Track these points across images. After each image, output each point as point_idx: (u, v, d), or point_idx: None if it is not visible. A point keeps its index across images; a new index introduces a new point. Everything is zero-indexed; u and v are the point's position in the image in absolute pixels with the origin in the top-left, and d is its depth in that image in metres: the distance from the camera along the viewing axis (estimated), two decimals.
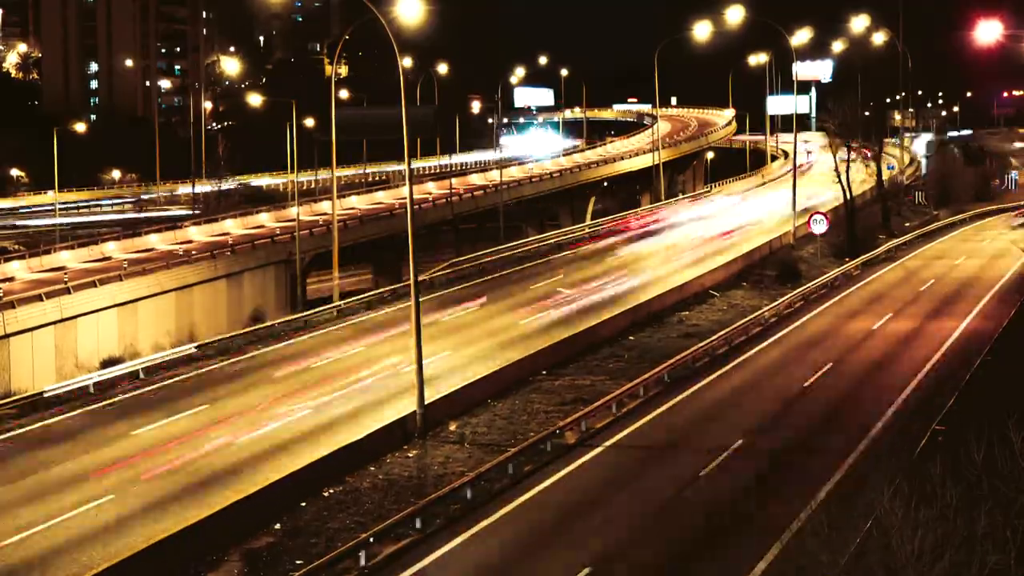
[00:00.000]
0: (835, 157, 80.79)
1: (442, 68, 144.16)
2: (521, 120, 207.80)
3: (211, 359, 47.82)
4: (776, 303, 54.75)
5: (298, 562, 26.85)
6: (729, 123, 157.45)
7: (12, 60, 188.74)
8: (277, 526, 29.26)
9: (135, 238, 72.77)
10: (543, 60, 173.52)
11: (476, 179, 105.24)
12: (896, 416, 36.76)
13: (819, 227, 69.25)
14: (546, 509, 29.62)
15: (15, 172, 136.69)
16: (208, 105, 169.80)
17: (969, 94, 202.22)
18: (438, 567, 26.27)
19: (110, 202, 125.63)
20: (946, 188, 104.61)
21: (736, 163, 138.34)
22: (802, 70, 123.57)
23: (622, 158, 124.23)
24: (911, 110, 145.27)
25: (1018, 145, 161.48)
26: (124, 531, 28.77)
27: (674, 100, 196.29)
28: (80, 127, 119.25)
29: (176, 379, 44.79)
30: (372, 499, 31.11)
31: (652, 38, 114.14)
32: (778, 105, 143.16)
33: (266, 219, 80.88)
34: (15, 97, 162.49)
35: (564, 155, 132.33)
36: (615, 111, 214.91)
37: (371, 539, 27.08)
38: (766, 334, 49.57)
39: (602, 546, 26.83)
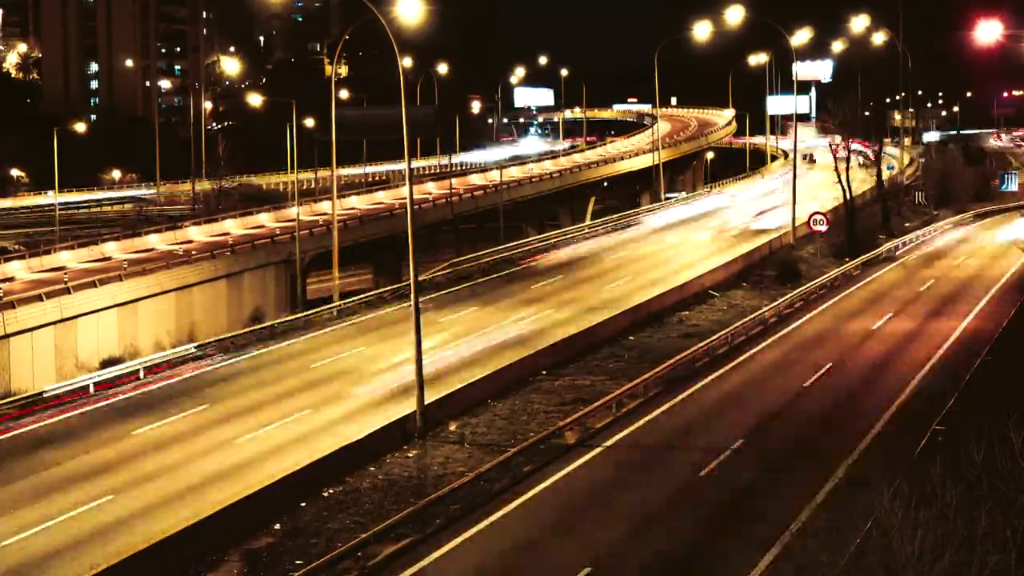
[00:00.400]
0: (835, 157, 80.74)
1: (442, 68, 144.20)
2: (521, 120, 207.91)
3: (211, 359, 47.84)
4: (776, 303, 54.74)
5: (298, 562, 26.84)
6: (729, 123, 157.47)
7: (12, 60, 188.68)
8: (277, 526, 29.26)
9: (135, 238, 72.74)
10: (543, 60, 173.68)
11: (476, 179, 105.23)
12: (896, 416, 36.74)
13: (819, 227, 69.32)
14: (546, 509, 29.61)
15: (15, 172, 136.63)
16: (208, 105, 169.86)
17: (969, 94, 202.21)
18: (438, 567, 26.27)
19: (109, 197, 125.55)
20: (946, 188, 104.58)
21: (736, 163, 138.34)
22: (802, 70, 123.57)
23: (622, 158, 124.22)
24: (911, 110, 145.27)
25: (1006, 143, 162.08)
26: (124, 531, 28.77)
27: (674, 100, 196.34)
28: (80, 127, 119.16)
29: (176, 379, 44.80)
30: (372, 499, 31.10)
31: (652, 38, 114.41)
32: (778, 105, 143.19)
33: (266, 219, 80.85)
34: (15, 97, 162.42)
35: (563, 155, 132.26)
36: (615, 111, 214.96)
37: (371, 539, 27.08)
38: (766, 334, 49.56)
39: (602, 546, 26.82)
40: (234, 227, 78.00)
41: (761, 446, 34.11)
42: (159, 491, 31.55)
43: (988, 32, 65.49)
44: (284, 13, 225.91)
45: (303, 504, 30.60)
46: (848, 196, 78.36)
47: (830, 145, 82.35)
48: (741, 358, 45.31)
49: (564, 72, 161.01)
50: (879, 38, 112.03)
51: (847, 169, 79.46)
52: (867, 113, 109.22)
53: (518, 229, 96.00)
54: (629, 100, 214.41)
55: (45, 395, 42.18)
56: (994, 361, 42.25)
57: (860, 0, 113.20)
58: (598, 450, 34.19)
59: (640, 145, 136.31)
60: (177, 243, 72.25)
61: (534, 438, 34.47)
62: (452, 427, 37.46)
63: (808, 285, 59.71)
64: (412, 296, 38.73)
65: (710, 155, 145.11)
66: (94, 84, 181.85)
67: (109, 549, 27.51)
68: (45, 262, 64.13)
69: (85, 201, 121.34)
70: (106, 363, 50.22)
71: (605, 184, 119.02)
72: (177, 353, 48.43)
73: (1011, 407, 25.28)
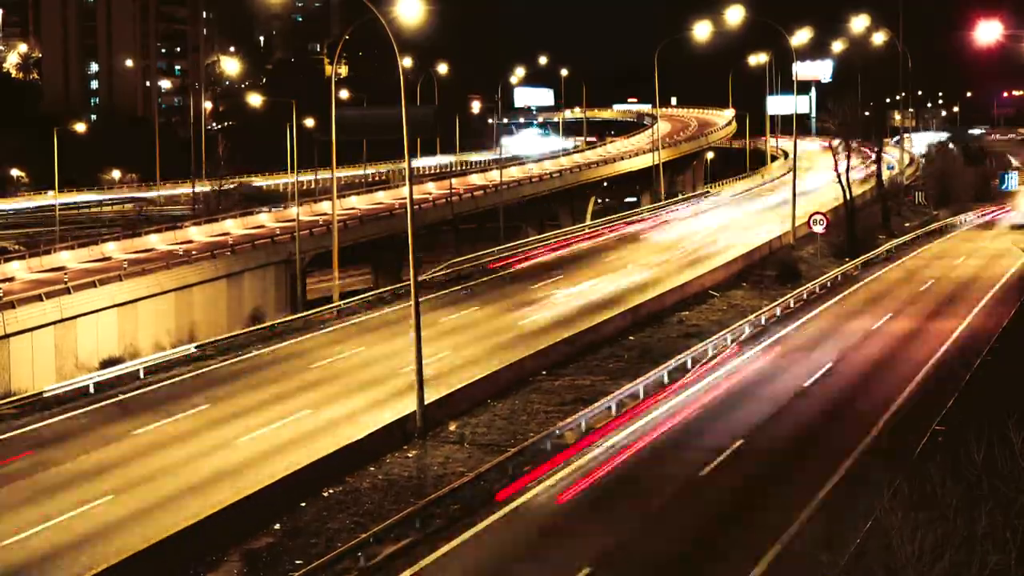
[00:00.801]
0: (835, 159, 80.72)
1: (442, 68, 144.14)
2: (521, 120, 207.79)
3: (211, 359, 47.84)
4: (776, 303, 54.73)
5: (298, 562, 26.84)
6: (729, 123, 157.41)
7: (12, 60, 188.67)
8: (277, 526, 29.26)
9: (135, 238, 72.72)
10: (543, 60, 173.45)
11: (476, 179, 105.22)
12: (896, 416, 36.73)
13: (819, 227, 69.35)
14: (546, 509, 29.59)
15: (15, 172, 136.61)
16: (208, 105, 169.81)
17: (969, 94, 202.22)
18: (438, 567, 26.25)
19: (109, 198, 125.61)
20: (946, 188, 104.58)
21: (736, 163, 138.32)
22: (802, 70, 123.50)
23: (622, 158, 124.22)
24: (911, 110, 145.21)
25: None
26: (124, 531, 28.76)
27: (674, 100, 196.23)
28: (80, 127, 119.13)
29: (176, 379, 44.80)
30: (372, 499, 31.11)
31: (652, 38, 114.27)
32: (778, 105, 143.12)
33: (266, 219, 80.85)
34: (15, 97, 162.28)
35: (563, 155, 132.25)
36: (615, 111, 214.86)
37: (371, 539, 27.08)
38: (766, 334, 49.54)
39: (602, 546, 26.82)
40: (234, 227, 78.00)
41: (761, 446, 34.09)
42: (159, 491, 31.54)
43: (988, 32, 65.44)
44: (284, 13, 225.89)
45: (303, 504, 30.60)
46: (848, 196, 78.36)
47: (832, 152, 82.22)
48: (741, 358, 45.29)
49: (564, 72, 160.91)
50: (879, 38, 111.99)
51: (847, 170, 79.45)
52: (867, 113, 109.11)
53: (518, 229, 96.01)
54: (629, 100, 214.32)
55: (45, 395, 42.18)
56: (994, 361, 42.23)
57: (860, 0, 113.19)
58: (598, 450, 34.17)
59: (640, 145, 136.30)
60: (177, 243, 72.24)
61: (534, 438, 34.46)
62: (452, 427, 37.47)
63: (808, 285, 59.69)
64: (412, 296, 38.72)
65: (710, 155, 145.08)
66: (94, 84, 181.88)
67: (109, 549, 27.50)
68: (45, 262, 64.12)
69: (85, 201, 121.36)
70: (106, 363, 50.20)
71: (605, 184, 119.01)
72: (177, 353, 48.43)
73: (1011, 407, 25.26)
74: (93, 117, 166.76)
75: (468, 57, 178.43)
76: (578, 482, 31.05)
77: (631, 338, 50.12)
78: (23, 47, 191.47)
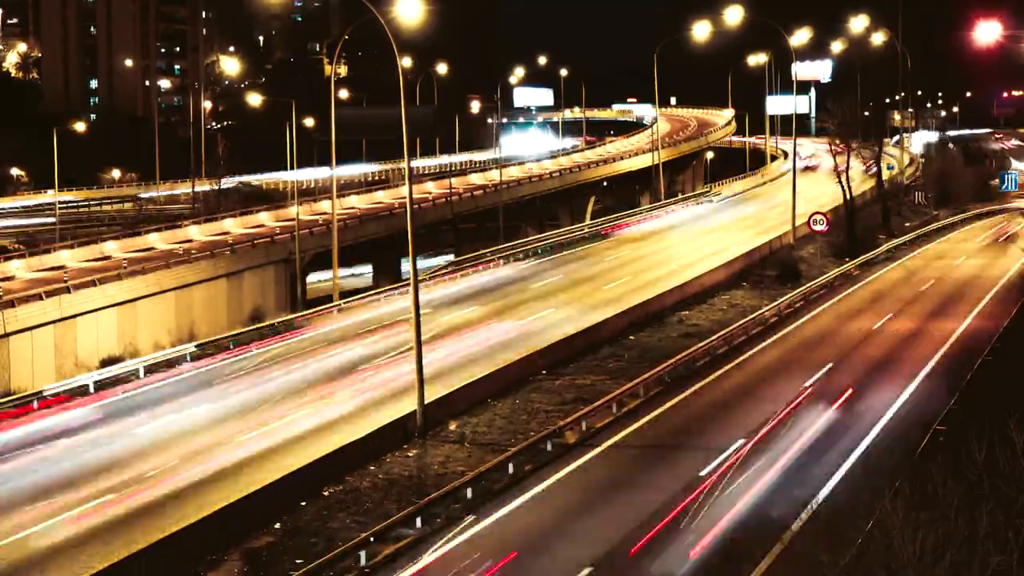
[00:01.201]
0: (835, 159, 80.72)
1: (442, 68, 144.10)
2: (521, 120, 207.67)
3: (211, 358, 47.81)
4: (776, 303, 54.71)
5: (298, 562, 26.81)
6: (728, 123, 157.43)
7: (12, 60, 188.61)
8: (277, 526, 29.23)
9: (135, 237, 72.67)
10: (543, 60, 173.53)
11: (476, 179, 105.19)
12: (897, 416, 36.71)
13: (819, 227, 69.34)
14: (546, 509, 29.58)
15: (15, 172, 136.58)
16: (208, 105, 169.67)
17: (969, 94, 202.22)
18: (438, 567, 26.24)
19: (109, 197, 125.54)
20: (946, 188, 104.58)
21: (736, 162, 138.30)
22: (802, 70, 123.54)
23: (621, 158, 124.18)
24: (911, 110, 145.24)
25: (1015, 143, 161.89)
26: (124, 531, 28.72)
27: (674, 100, 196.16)
28: (80, 127, 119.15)
29: (176, 378, 44.78)
30: (372, 499, 31.08)
31: (652, 38, 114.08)
32: (778, 105, 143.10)
33: (266, 218, 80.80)
34: (15, 97, 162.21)
35: (563, 155, 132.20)
36: (615, 111, 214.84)
37: (371, 539, 27.05)
38: (766, 334, 49.54)
39: (602, 546, 26.79)
40: (234, 226, 77.94)
41: (762, 446, 34.03)
42: (159, 490, 31.51)
43: (988, 32, 65.43)
44: (284, 13, 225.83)
45: (303, 503, 30.58)
46: (848, 196, 78.36)
47: (832, 153, 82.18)
48: (741, 358, 45.30)
49: (564, 72, 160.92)
50: (879, 38, 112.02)
51: (847, 170, 79.45)
52: (867, 113, 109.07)
53: (518, 228, 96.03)
54: (629, 100, 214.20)
55: (45, 394, 42.17)
56: (995, 361, 42.22)
57: (860, 0, 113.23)
58: (598, 450, 34.17)
59: (640, 145, 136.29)
60: (177, 242, 72.18)
61: (534, 437, 34.44)
62: (452, 426, 37.44)
63: (808, 285, 59.69)
64: (412, 296, 38.69)
65: (710, 155, 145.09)
66: (94, 84, 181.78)
67: (109, 549, 27.47)
68: (45, 261, 64.06)
69: (85, 200, 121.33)
70: (106, 362, 50.20)
71: (605, 184, 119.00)
72: (177, 352, 48.42)
73: (1012, 407, 25.24)
74: (93, 117, 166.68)
75: (468, 57, 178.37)
76: None
77: (631, 338, 50.10)
78: (23, 47, 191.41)
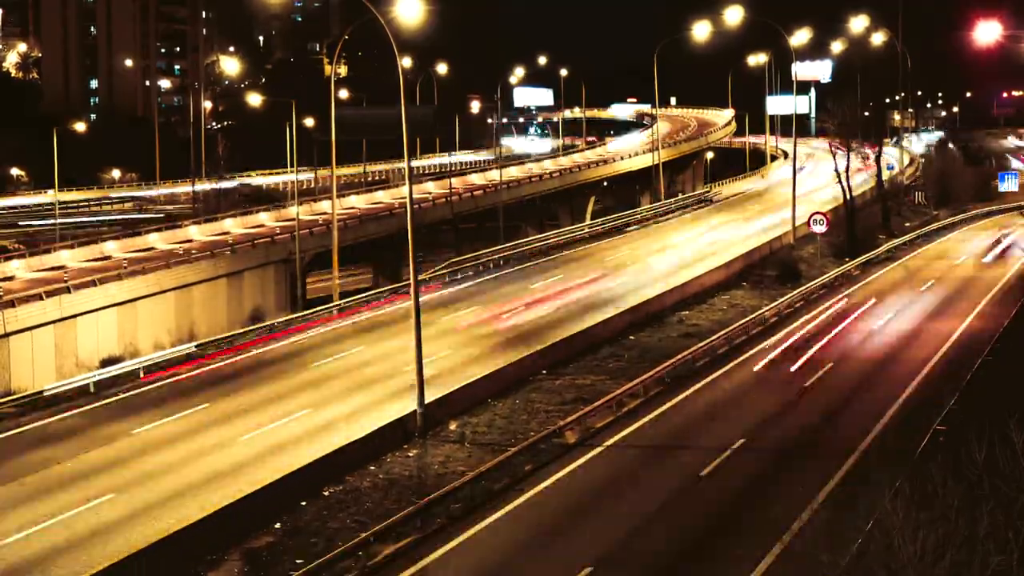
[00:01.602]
0: (835, 159, 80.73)
1: (442, 68, 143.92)
2: (521, 120, 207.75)
3: (211, 358, 47.82)
4: (776, 303, 54.72)
5: (298, 562, 26.81)
6: (728, 123, 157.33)
7: (12, 60, 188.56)
8: (277, 526, 29.23)
9: (135, 237, 72.65)
10: (543, 60, 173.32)
11: (476, 179, 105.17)
12: (897, 416, 36.73)
13: (819, 227, 69.30)
14: (546, 509, 29.58)
15: (15, 172, 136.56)
16: (208, 105, 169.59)
17: (969, 94, 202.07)
18: (438, 567, 26.24)
19: (110, 198, 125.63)
20: (946, 188, 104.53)
21: (736, 163, 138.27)
22: (802, 70, 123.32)
23: (621, 158, 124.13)
24: (911, 110, 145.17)
25: (1013, 143, 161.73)
26: (124, 531, 28.74)
27: (674, 100, 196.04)
28: (80, 127, 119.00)
29: (176, 378, 44.78)
30: (372, 498, 31.08)
31: (652, 38, 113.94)
32: (778, 105, 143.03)
33: (266, 218, 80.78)
34: (15, 97, 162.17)
35: (563, 155, 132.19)
36: (615, 111, 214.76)
37: (371, 539, 27.05)
38: (766, 334, 49.53)
39: (602, 546, 26.80)
40: (234, 226, 77.93)
41: (762, 446, 34.09)
42: (159, 490, 31.52)
43: (988, 32, 65.39)
44: (284, 13, 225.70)
45: (303, 503, 30.58)
46: (848, 196, 78.38)
47: (833, 152, 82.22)
48: (741, 358, 45.30)
49: (564, 72, 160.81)
50: (879, 38, 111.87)
51: (847, 170, 79.46)
52: (867, 113, 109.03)
53: (518, 228, 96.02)
54: (629, 100, 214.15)
55: (45, 394, 42.17)
56: (995, 361, 42.20)
57: (860, 0, 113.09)
58: (599, 449, 34.17)
59: (640, 145, 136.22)
60: (177, 242, 72.17)
61: (534, 437, 34.45)
62: (452, 426, 37.44)
63: (808, 285, 59.69)
64: (412, 296, 38.68)
65: (710, 155, 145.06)
66: (94, 84, 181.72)
67: (109, 549, 27.48)
68: (45, 261, 64.04)
69: (85, 200, 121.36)
70: (106, 362, 50.21)
71: (605, 184, 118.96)
72: (177, 352, 48.43)
73: (1012, 407, 25.21)
74: (93, 117, 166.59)
75: (468, 57, 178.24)
76: None
77: (631, 337, 50.11)
78: (23, 47, 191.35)
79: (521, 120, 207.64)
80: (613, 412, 37.55)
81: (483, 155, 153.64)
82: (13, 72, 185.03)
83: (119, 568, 25.50)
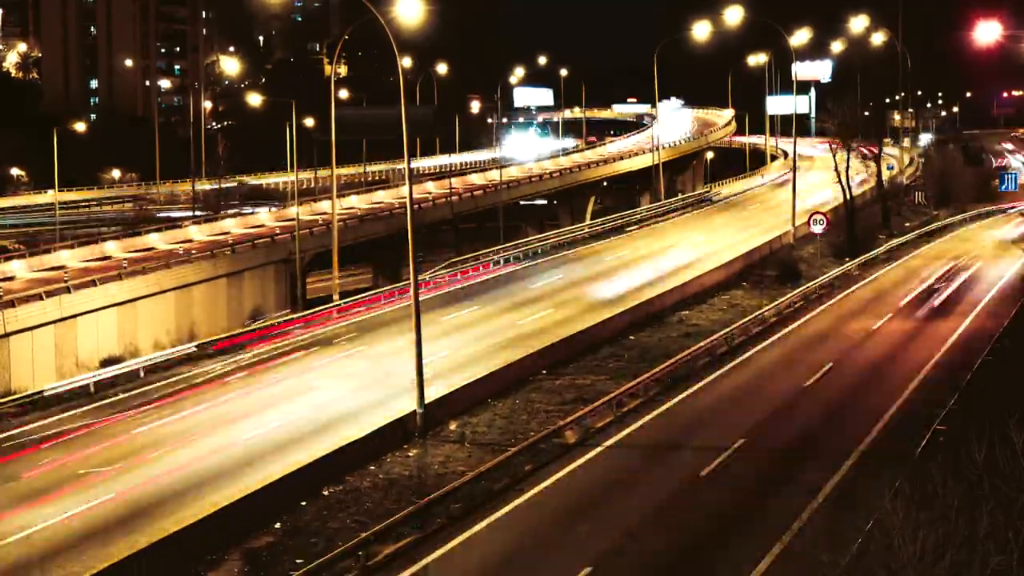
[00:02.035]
0: (835, 158, 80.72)
1: (442, 68, 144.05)
2: (521, 120, 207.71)
3: (211, 358, 47.84)
4: (776, 303, 54.71)
5: (298, 561, 26.81)
6: (729, 123, 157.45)
7: (12, 60, 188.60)
8: (277, 526, 29.23)
9: (135, 237, 72.66)
10: (543, 60, 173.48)
11: (476, 179, 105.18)
12: (897, 416, 36.72)
13: (818, 227, 69.32)
14: (546, 509, 29.58)
15: (15, 172, 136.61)
16: (208, 105, 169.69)
17: (969, 94, 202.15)
18: (438, 567, 26.24)
19: (110, 197, 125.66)
20: (946, 188, 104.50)
21: (736, 162, 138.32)
22: (802, 70, 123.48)
23: (621, 158, 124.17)
24: (911, 110, 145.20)
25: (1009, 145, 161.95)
26: (124, 531, 28.75)
27: (681, 102, 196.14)
28: (80, 127, 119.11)
29: (176, 378, 44.80)
30: (372, 498, 31.08)
31: (652, 38, 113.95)
32: (778, 105, 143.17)
33: (266, 218, 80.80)
34: (15, 97, 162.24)
35: (563, 155, 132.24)
36: (615, 111, 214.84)
37: (371, 539, 27.05)
38: (767, 334, 49.52)
39: (602, 546, 26.79)
40: (234, 226, 77.92)
41: (762, 446, 34.06)
42: (160, 490, 31.54)
43: (988, 32, 65.40)
44: (284, 13, 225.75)
45: (303, 503, 30.58)
46: (848, 196, 78.38)
47: (833, 152, 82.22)
48: (741, 358, 45.29)
49: (564, 72, 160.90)
50: (879, 38, 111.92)
51: (847, 169, 79.44)
52: (867, 113, 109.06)
53: (517, 228, 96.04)
54: (629, 100, 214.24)
55: (45, 394, 42.19)
56: (995, 361, 42.17)
57: (860, 0, 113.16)
58: (598, 449, 34.16)
59: (640, 145, 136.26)
60: (177, 242, 72.18)
61: (534, 437, 34.43)
62: (452, 426, 37.44)
63: (808, 285, 59.65)
64: (412, 296, 38.68)
65: (710, 155, 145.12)
66: (94, 84, 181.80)
67: (109, 549, 27.49)
68: (45, 261, 64.03)
69: (85, 200, 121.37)
70: (106, 362, 50.23)
71: (605, 184, 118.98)
72: (177, 352, 48.44)
73: (1012, 407, 25.22)
74: (93, 117, 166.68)
75: (468, 57, 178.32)
76: None
77: (631, 337, 50.09)
78: (23, 47, 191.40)
79: (521, 120, 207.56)
80: (613, 412, 37.54)
81: (484, 154, 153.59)
82: (13, 72, 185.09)
83: (119, 568, 25.50)
